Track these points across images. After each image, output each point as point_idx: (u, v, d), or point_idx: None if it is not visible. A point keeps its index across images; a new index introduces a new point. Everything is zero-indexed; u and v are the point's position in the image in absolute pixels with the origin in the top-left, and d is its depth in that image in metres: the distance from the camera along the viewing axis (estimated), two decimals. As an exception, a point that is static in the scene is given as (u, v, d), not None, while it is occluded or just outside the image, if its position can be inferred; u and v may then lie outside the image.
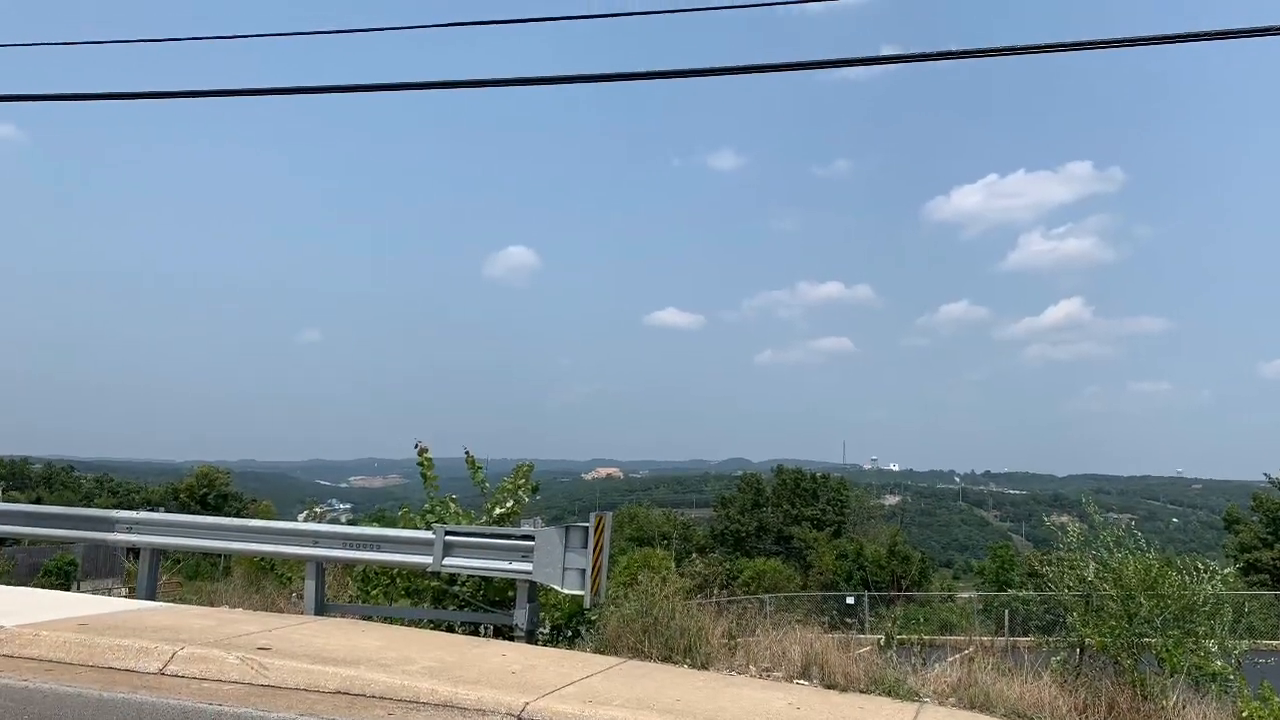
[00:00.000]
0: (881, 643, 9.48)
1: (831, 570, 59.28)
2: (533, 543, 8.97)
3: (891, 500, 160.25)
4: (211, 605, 10.85)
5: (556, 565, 8.84)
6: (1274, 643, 21.89)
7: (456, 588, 10.08)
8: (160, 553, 11.10)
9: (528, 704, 6.19)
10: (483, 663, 7.32)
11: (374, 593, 10.60)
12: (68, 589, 26.66)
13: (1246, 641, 9.80)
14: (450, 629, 9.56)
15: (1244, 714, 7.68)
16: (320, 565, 9.97)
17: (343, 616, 9.78)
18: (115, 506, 18.95)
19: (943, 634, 26.18)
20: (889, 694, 7.24)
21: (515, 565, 9.07)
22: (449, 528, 9.44)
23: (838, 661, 7.73)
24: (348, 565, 10.82)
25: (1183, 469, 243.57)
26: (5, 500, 12.57)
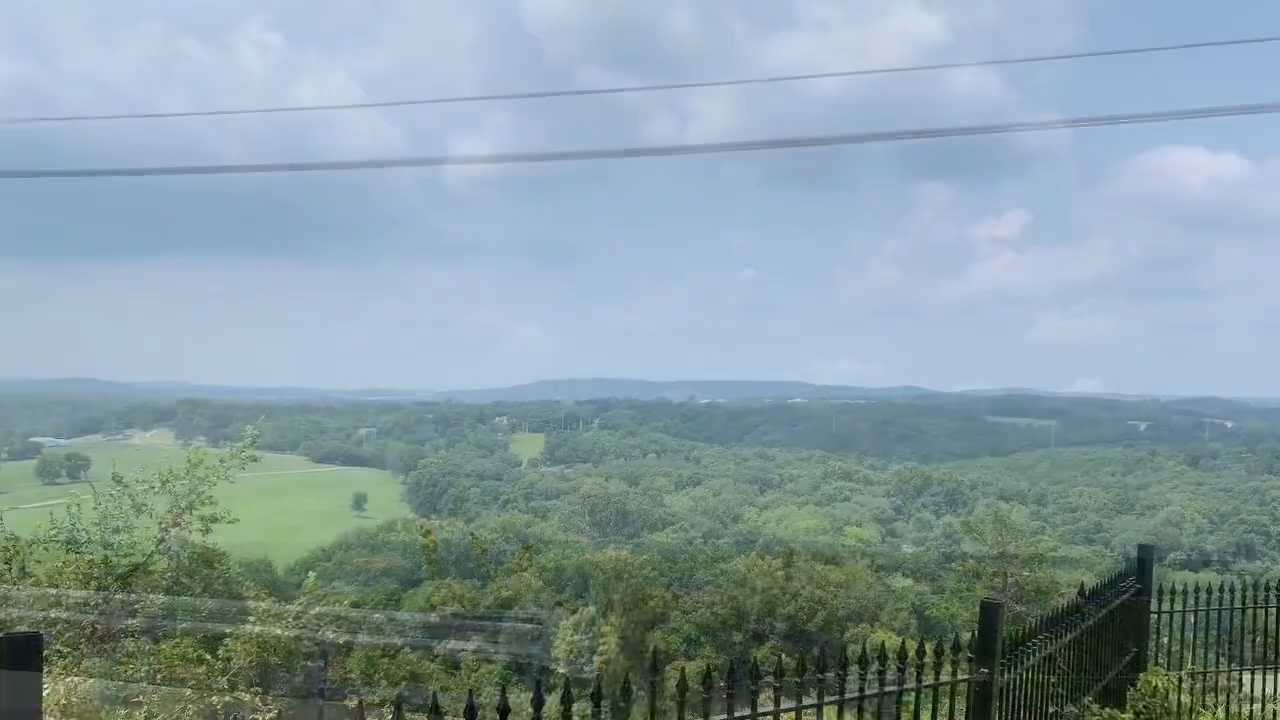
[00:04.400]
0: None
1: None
2: (540, 626, 8.75)
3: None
4: None
5: (563, 646, 8.60)
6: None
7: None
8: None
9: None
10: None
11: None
12: None
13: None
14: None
15: None
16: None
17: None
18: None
19: None
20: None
21: (520, 647, 8.83)
22: (453, 610, 9.22)
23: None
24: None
25: None
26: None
